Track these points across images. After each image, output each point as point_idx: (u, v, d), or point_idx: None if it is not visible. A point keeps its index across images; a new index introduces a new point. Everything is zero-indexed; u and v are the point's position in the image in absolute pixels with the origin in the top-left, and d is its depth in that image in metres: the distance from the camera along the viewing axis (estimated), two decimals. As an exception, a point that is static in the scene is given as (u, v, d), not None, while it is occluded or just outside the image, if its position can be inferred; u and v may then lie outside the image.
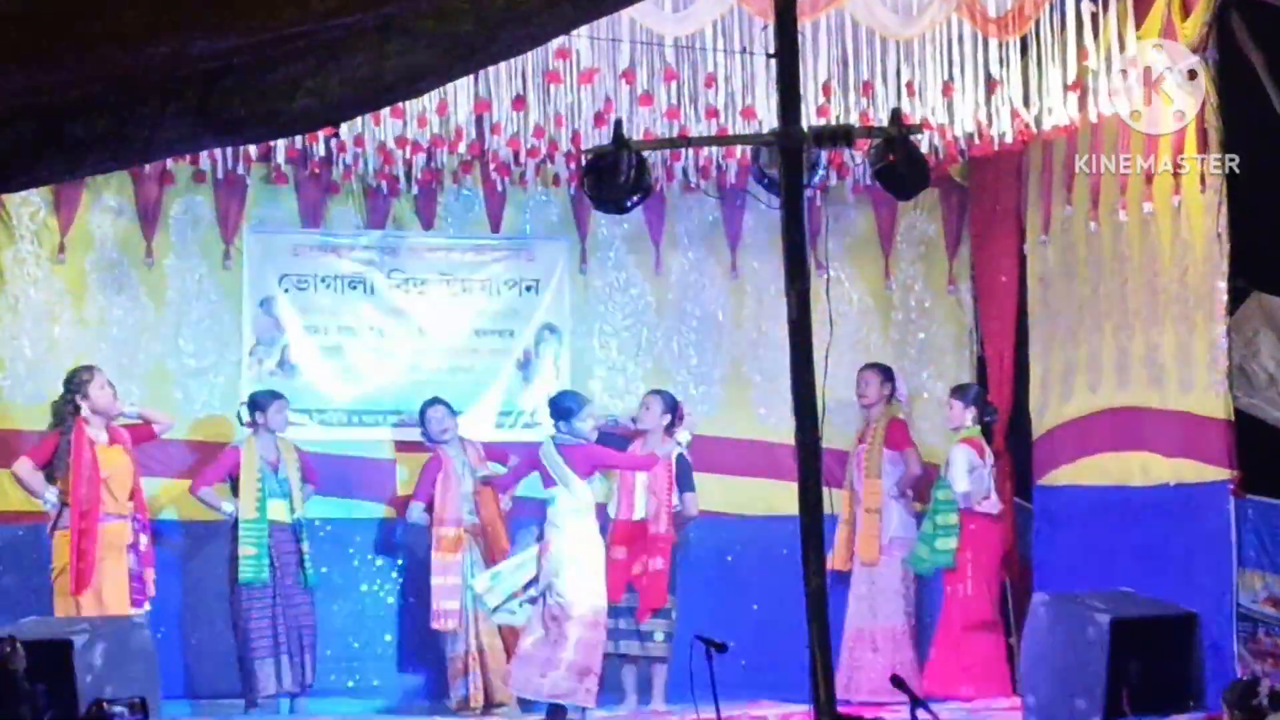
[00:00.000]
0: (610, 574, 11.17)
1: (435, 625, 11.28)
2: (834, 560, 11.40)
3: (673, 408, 11.60)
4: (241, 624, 11.23)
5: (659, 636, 11.36)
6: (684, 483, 11.48)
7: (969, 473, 11.41)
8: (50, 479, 10.79)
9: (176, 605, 11.62)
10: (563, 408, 11.15)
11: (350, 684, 11.88)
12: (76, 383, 10.86)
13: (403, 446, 12.01)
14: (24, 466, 10.85)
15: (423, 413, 11.57)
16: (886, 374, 11.90)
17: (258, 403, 11.38)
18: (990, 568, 11.51)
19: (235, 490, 11.24)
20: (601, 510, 11.40)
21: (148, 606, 10.85)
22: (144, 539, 10.93)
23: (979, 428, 11.62)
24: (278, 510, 11.22)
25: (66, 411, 10.83)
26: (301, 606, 11.31)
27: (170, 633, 11.41)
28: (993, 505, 11.48)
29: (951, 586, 11.48)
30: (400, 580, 12.01)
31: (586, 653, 10.84)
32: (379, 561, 12.03)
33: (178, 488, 11.60)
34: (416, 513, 11.47)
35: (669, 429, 11.55)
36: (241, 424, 11.45)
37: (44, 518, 10.90)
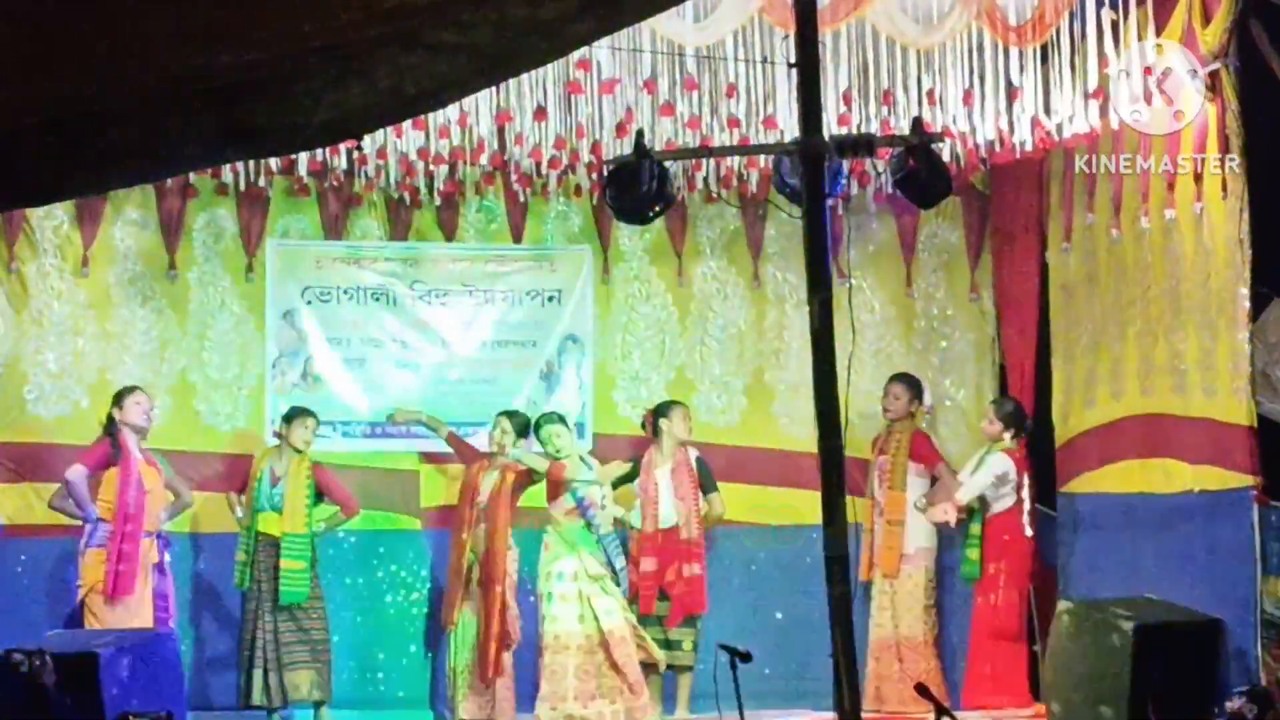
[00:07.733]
0: (641, 586, 11.22)
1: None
2: (860, 571, 11.41)
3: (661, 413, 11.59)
4: (240, 632, 11.26)
5: (687, 645, 11.36)
6: (707, 485, 11.52)
7: (994, 482, 11.42)
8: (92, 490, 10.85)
9: (185, 616, 11.62)
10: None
11: (374, 695, 11.88)
12: (118, 399, 11.01)
13: (428, 458, 12.03)
14: (79, 472, 10.86)
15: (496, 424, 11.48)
16: (915, 387, 11.87)
17: (286, 416, 11.42)
18: (1024, 578, 11.52)
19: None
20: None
21: (173, 625, 10.87)
22: (168, 557, 11.02)
23: (1016, 442, 11.61)
24: (268, 523, 11.17)
25: (110, 425, 10.95)
26: (274, 622, 11.15)
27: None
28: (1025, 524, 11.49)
29: (983, 596, 11.49)
30: (425, 591, 12.01)
31: (626, 657, 10.96)
32: (403, 573, 12.04)
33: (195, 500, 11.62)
34: None
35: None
36: (274, 434, 11.54)
37: (72, 531, 10.94)
